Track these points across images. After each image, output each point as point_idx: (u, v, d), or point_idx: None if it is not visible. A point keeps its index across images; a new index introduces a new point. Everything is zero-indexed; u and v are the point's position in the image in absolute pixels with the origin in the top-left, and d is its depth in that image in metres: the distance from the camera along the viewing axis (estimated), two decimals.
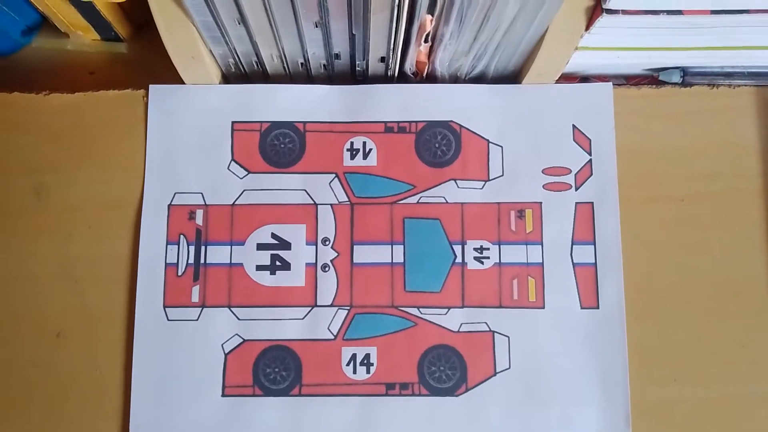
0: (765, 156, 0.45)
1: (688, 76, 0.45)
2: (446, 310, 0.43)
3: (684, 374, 0.43)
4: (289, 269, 0.43)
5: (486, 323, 0.42)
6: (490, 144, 0.44)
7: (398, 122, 0.44)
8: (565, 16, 0.39)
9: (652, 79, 0.46)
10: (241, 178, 0.44)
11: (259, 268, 0.43)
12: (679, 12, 0.37)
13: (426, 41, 0.40)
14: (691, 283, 0.43)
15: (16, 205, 0.44)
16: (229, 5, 0.37)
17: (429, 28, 0.39)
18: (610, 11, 0.37)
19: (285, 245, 0.43)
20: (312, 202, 0.44)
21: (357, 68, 0.44)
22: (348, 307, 0.43)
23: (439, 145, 0.44)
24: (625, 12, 0.37)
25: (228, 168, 0.44)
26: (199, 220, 0.44)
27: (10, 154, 0.45)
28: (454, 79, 0.45)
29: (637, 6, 0.37)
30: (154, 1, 0.38)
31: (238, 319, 0.43)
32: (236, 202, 0.44)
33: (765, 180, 0.44)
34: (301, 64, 0.44)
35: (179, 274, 0.43)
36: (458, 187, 0.44)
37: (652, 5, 0.37)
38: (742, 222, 0.44)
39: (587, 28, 0.39)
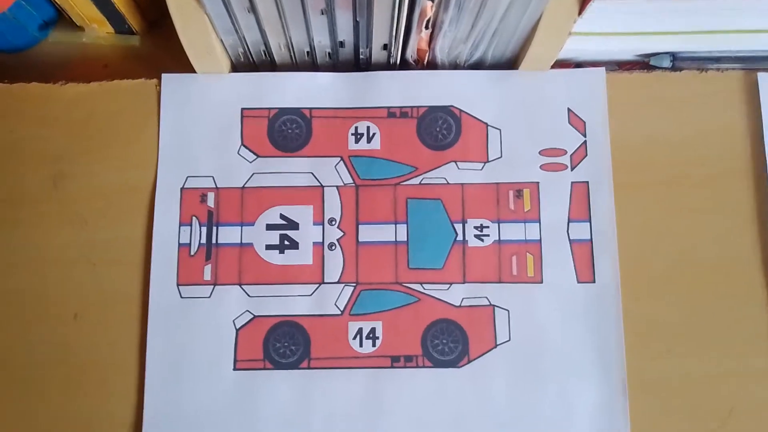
0: (753, 138, 0.46)
1: (678, 61, 0.47)
2: (448, 285, 0.44)
3: (678, 348, 0.44)
4: (297, 248, 0.45)
5: (486, 298, 0.44)
6: (489, 127, 0.46)
7: (400, 107, 0.46)
8: (559, 2, 0.40)
9: (643, 64, 0.48)
10: (250, 162, 0.46)
11: (269, 247, 0.45)
12: None
13: (426, 28, 0.42)
14: (684, 259, 0.45)
15: (34, 193, 0.46)
16: None
17: (429, 14, 0.41)
18: None
19: (293, 225, 0.45)
20: (318, 185, 0.46)
21: (360, 56, 0.46)
22: (354, 284, 0.44)
23: (440, 129, 0.46)
24: None
25: (238, 152, 0.46)
26: (210, 202, 0.45)
27: (28, 144, 0.46)
28: (454, 66, 0.47)
29: None
30: None
31: (249, 296, 0.44)
32: (246, 185, 0.46)
33: (753, 161, 0.46)
34: (307, 53, 0.46)
35: (192, 254, 0.45)
36: (459, 168, 0.46)
37: None
38: (733, 202, 0.46)
39: (580, 13, 0.41)
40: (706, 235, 0.45)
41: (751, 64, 0.47)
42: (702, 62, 0.47)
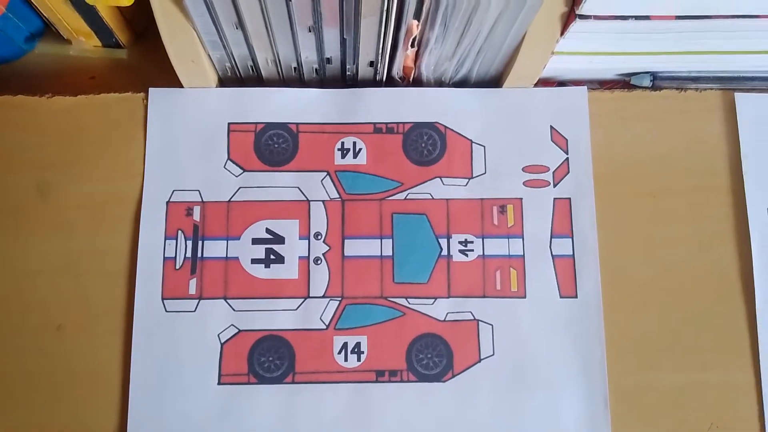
0: (731, 155, 0.47)
1: (657, 80, 0.48)
2: (433, 300, 0.45)
3: (659, 361, 0.45)
4: (283, 262, 0.45)
5: (471, 312, 0.45)
6: (474, 144, 0.47)
7: (386, 123, 0.47)
8: (541, 22, 0.41)
9: (624, 83, 0.49)
10: (236, 176, 0.46)
11: (254, 261, 0.45)
12: (647, 17, 0.40)
13: (412, 46, 0.43)
14: (665, 274, 0.46)
15: (20, 203, 0.46)
16: (228, 9, 0.39)
17: (415, 32, 0.41)
18: (582, 16, 0.40)
19: (279, 240, 0.45)
20: (305, 199, 0.46)
21: (347, 73, 0.47)
22: (339, 298, 0.45)
23: (426, 144, 0.47)
24: (596, 17, 0.40)
25: (224, 167, 0.46)
26: (196, 216, 0.45)
27: (15, 154, 0.46)
28: (439, 83, 0.48)
29: (608, 12, 0.39)
30: (158, 5, 0.40)
31: (234, 310, 0.44)
32: (232, 199, 0.46)
33: (731, 177, 0.47)
34: (295, 68, 0.46)
35: (177, 267, 0.45)
36: (443, 184, 0.46)
37: (621, 11, 0.39)
38: (711, 216, 0.47)
39: (562, 33, 0.42)
40: (686, 249, 0.46)
41: (728, 84, 0.48)
42: (681, 82, 0.48)
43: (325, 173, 0.46)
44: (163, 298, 0.44)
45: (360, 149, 0.47)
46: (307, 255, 0.45)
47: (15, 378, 0.44)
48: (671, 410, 0.44)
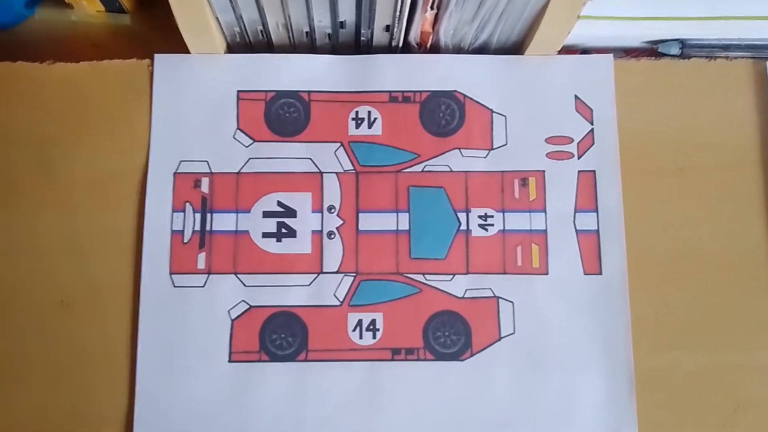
0: (762, 127, 0.46)
1: (686, 48, 0.46)
2: (451, 276, 0.43)
3: (686, 340, 0.43)
4: (295, 236, 0.43)
5: (491, 289, 0.43)
6: (494, 114, 0.45)
7: (403, 92, 0.45)
8: None
9: (651, 51, 0.47)
10: (246, 147, 0.44)
11: (265, 235, 0.43)
12: None
13: (432, 8, 0.41)
14: (692, 251, 0.44)
15: (21, 177, 0.44)
16: None
17: None
18: None
19: (291, 213, 0.44)
20: (317, 171, 0.44)
21: (362, 38, 0.45)
22: (354, 274, 0.43)
23: (443, 114, 0.45)
24: None
25: (233, 137, 0.44)
26: (204, 188, 0.44)
27: (14, 125, 0.45)
28: (458, 50, 0.46)
29: None
30: None
31: (245, 285, 0.43)
32: (242, 171, 0.44)
33: (761, 151, 0.45)
34: (306, 33, 0.44)
35: (185, 241, 0.43)
36: (462, 156, 0.44)
37: None
38: (740, 192, 0.45)
39: None
40: (714, 225, 0.44)
41: (759, 52, 0.46)
42: (711, 50, 0.46)
43: (339, 144, 0.44)
44: (171, 273, 0.43)
45: (375, 119, 0.45)
46: (320, 229, 0.43)
47: (20, 358, 0.43)
48: (697, 392, 0.43)
